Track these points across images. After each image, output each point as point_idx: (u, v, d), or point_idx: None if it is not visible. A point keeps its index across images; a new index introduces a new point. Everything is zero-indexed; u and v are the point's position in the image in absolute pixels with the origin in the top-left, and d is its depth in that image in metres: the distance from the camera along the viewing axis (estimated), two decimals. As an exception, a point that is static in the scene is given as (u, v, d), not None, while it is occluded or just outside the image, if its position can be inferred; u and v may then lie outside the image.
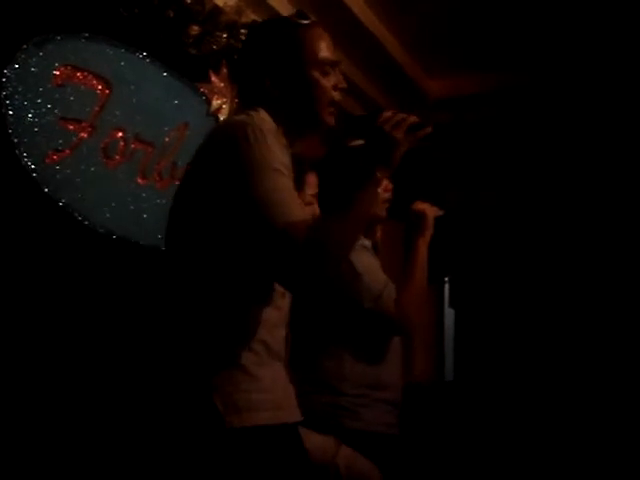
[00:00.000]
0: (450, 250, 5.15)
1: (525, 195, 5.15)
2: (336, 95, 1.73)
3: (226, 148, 1.54)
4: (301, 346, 2.21)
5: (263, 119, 1.62)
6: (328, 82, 1.71)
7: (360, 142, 2.36)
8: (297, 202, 1.50)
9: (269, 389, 1.59)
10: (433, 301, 5.52)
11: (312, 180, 2.39)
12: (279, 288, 1.63)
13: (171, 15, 2.86)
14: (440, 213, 2.55)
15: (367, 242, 2.44)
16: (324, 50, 1.72)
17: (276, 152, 1.52)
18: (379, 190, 2.37)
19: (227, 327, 1.56)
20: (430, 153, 5.18)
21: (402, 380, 2.51)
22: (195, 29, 2.96)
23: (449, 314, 5.71)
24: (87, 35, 2.63)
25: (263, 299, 1.61)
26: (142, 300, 2.72)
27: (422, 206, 2.53)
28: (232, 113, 3.26)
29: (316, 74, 1.70)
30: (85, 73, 2.63)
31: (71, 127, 2.58)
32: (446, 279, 5.70)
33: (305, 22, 1.76)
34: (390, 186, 2.50)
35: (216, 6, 3.11)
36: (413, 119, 1.69)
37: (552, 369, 4.82)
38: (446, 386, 5.38)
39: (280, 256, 1.44)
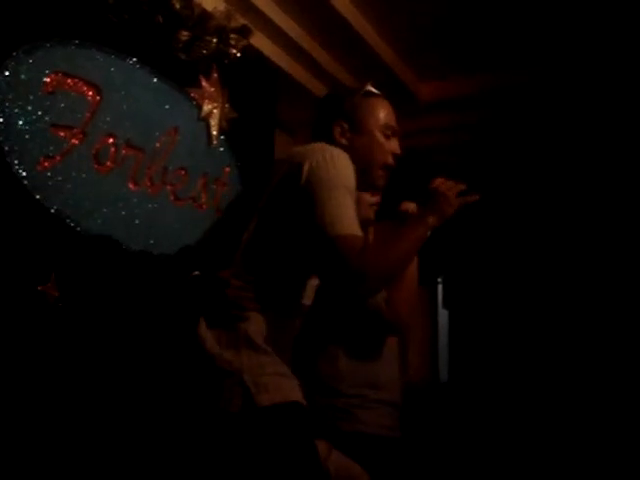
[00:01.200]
0: (443, 251, 5.17)
1: (517, 195, 5.17)
2: (390, 160, 1.99)
3: (304, 167, 1.73)
4: (297, 347, 2.21)
5: (339, 149, 1.84)
6: (387, 145, 1.98)
7: None
8: (354, 220, 1.68)
9: (292, 375, 1.78)
10: (427, 302, 5.53)
11: None
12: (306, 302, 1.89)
13: (160, 20, 2.87)
14: None
15: None
16: (388, 117, 2.03)
17: (348, 174, 1.74)
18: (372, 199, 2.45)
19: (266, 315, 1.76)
20: (420, 155, 5.21)
21: (401, 381, 2.51)
22: (185, 34, 2.97)
23: (443, 315, 5.72)
24: (77, 42, 2.63)
25: (297, 303, 1.86)
26: (135, 304, 2.74)
27: (409, 206, 2.53)
28: (223, 118, 3.27)
29: (379, 134, 1.98)
30: (75, 80, 2.63)
31: (62, 134, 2.58)
32: (439, 280, 5.72)
33: (376, 92, 2.08)
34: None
35: (205, 11, 3.11)
36: (461, 187, 1.98)
37: (546, 368, 4.83)
38: (441, 387, 5.39)
39: (327, 263, 1.65)
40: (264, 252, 1.79)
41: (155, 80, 2.96)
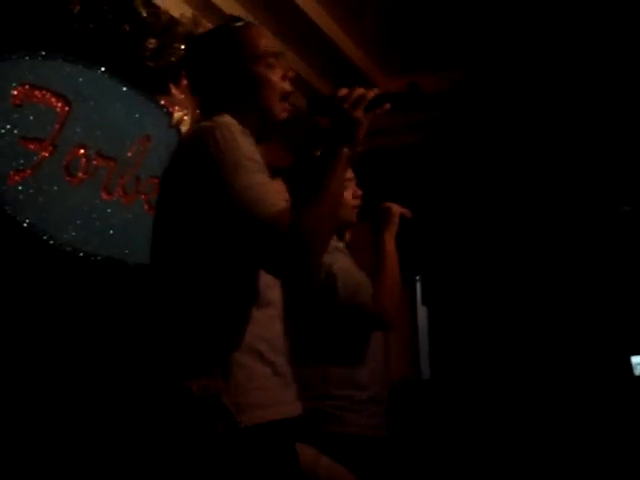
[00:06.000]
0: (420, 249, 5.18)
1: (491, 191, 5.19)
2: (286, 86, 1.75)
3: (197, 154, 1.55)
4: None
5: (229, 121, 1.62)
6: (275, 75, 1.73)
7: None
8: (273, 193, 1.51)
9: (268, 386, 1.63)
10: (406, 299, 5.54)
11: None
12: (267, 282, 1.66)
13: (127, 29, 2.85)
14: (407, 213, 2.59)
15: (340, 244, 2.45)
16: (264, 44, 1.74)
17: (245, 147, 1.55)
18: (349, 195, 2.43)
19: (221, 329, 1.58)
20: (397, 154, 5.22)
21: (386, 380, 2.51)
22: (152, 42, 2.95)
23: (422, 312, 5.73)
24: (44, 53, 2.61)
25: (250, 297, 1.63)
26: (112, 315, 2.71)
27: (389, 204, 2.57)
28: (194, 124, 3.25)
29: (261, 69, 1.72)
30: (43, 91, 2.61)
31: (32, 146, 2.55)
32: (417, 277, 5.73)
33: (239, 24, 1.78)
34: (359, 192, 2.52)
35: (172, 18, 3.09)
36: (372, 94, 1.69)
37: (527, 363, 4.86)
38: (423, 385, 5.40)
39: (267, 247, 1.48)
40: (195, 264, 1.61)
41: (124, 89, 2.94)
